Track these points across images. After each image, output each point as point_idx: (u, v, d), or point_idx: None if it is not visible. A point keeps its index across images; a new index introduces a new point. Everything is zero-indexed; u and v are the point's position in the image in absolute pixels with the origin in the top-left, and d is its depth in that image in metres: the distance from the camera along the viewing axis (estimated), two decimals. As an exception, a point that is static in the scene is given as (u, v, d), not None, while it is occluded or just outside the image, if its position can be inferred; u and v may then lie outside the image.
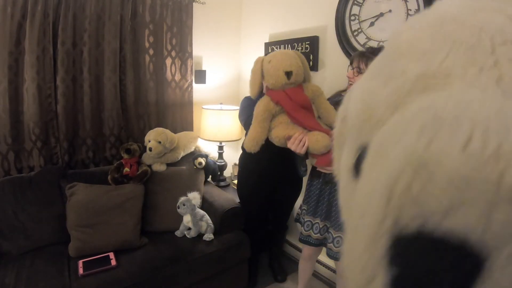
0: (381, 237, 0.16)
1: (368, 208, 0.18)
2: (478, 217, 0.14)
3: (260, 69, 1.30)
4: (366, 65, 1.23)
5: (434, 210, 0.14)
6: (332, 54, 1.82)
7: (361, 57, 1.25)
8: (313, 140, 1.21)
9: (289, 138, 1.23)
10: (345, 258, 0.20)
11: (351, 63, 1.30)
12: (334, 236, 1.35)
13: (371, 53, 1.24)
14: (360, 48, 1.63)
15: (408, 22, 0.27)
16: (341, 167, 0.29)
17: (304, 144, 1.20)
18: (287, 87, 1.24)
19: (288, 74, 1.21)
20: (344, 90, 1.45)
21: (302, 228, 1.45)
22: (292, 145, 1.21)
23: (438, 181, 0.15)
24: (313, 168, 1.42)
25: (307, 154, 1.30)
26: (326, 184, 1.37)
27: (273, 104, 1.25)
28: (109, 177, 1.73)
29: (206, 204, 1.85)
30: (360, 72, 1.24)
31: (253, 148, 1.28)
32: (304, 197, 1.50)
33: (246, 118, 1.45)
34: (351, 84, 1.31)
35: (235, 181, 2.10)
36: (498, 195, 0.13)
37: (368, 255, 0.17)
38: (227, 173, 2.42)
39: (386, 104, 0.22)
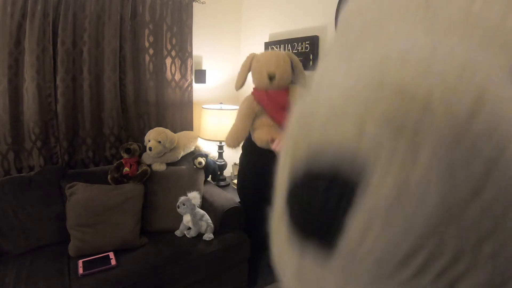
0: (284, 179, 0.17)
1: (282, 150, 0.18)
2: (352, 124, 0.14)
3: (248, 65, 1.30)
4: None
5: (310, 147, 0.15)
6: (332, 54, 1.82)
7: None
8: None
9: (273, 140, 1.23)
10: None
11: None
12: None
13: None
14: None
15: None
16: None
17: None
18: (270, 89, 1.23)
19: (271, 77, 1.21)
20: None
21: None
22: (276, 147, 1.21)
23: (320, 116, 0.15)
24: None
25: None
26: None
27: (256, 102, 1.26)
28: (109, 176, 1.73)
29: (206, 204, 1.85)
30: None
31: (232, 144, 1.29)
32: None
33: None
34: None
35: (235, 181, 2.10)
36: (366, 115, 0.13)
37: (279, 194, 0.18)
38: (227, 172, 2.42)
39: None
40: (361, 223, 0.13)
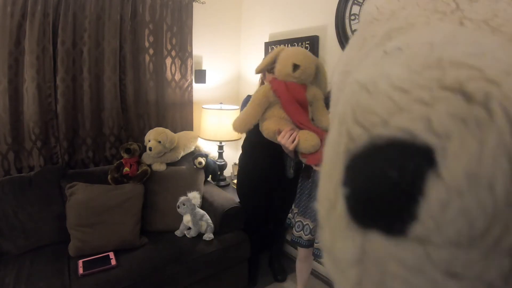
0: (338, 162, 0.16)
1: (329, 139, 0.18)
2: (419, 114, 0.14)
3: (275, 55, 1.31)
4: None
5: (376, 120, 0.15)
6: (332, 54, 1.82)
7: None
8: (302, 138, 1.20)
9: (279, 132, 1.22)
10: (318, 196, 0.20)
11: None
12: None
13: None
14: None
15: None
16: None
17: (294, 140, 1.20)
18: (290, 80, 1.23)
19: (295, 67, 1.21)
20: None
21: (293, 229, 1.45)
22: (282, 139, 1.21)
23: (378, 95, 0.16)
24: (303, 170, 1.41)
25: (296, 155, 1.31)
26: (315, 189, 1.37)
27: (272, 92, 1.26)
28: (109, 176, 1.73)
29: (206, 204, 1.85)
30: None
31: (239, 128, 1.28)
32: (296, 200, 1.49)
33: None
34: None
35: (235, 181, 2.10)
36: (438, 91, 0.14)
37: (329, 182, 0.17)
38: (227, 172, 2.42)
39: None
40: (443, 192, 0.13)
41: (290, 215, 1.54)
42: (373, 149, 0.15)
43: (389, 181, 0.14)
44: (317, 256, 1.39)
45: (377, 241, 0.15)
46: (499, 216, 0.13)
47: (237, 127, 1.28)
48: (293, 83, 1.23)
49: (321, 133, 1.24)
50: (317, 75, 1.29)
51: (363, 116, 0.16)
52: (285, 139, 1.20)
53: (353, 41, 0.28)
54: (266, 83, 1.32)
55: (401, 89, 0.15)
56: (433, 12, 0.22)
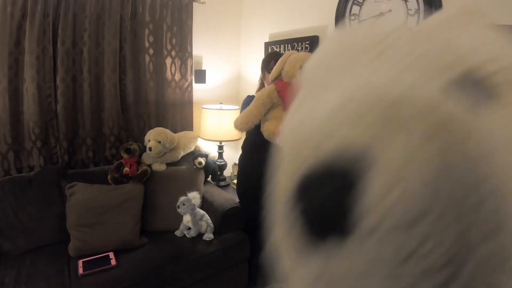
0: (289, 187, 0.19)
1: (281, 169, 0.21)
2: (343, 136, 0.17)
3: (286, 58, 1.32)
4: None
5: (314, 147, 0.18)
6: (332, 54, 1.82)
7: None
8: None
9: (279, 134, 1.23)
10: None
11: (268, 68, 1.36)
12: None
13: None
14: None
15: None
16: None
17: None
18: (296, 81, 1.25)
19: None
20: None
21: None
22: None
23: (313, 127, 0.19)
24: None
25: None
26: None
27: (276, 93, 1.27)
28: (109, 176, 1.73)
29: (206, 204, 1.85)
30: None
31: (241, 126, 1.30)
32: None
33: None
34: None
35: (235, 181, 2.10)
36: (364, 118, 0.17)
37: (282, 206, 0.20)
38: (227, 172, 2.42)
39: None
40: (380, 192, 0.15)
41: None
42: (316, 170, 0.17)
43: (333, 191, 0.16)
44: None
45: (335, 248, 0.17)
46: (436, 196, 0.14)
47: (238, 125, 1.29)
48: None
49: None
50: None
51: (304, 146, 0.18)
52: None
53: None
54: (266, 84, 1.33)
55: (332, 115, 0.18)
56: (358, 62, 0.25)
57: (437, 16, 0.25)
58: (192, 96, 2.28)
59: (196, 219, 1.66)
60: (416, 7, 1.42)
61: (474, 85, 0.20)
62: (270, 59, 1.60)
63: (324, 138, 0.18)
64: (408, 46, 0.23)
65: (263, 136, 1.33)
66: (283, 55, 1.37)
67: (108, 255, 1.47)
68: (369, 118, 0.17)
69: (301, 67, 1.23)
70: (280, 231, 0.20)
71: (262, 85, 1.69)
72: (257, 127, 1.35)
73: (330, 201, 0.16)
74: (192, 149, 2.12)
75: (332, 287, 0.17)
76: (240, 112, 1.62)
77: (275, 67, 1.36)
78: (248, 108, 1.30)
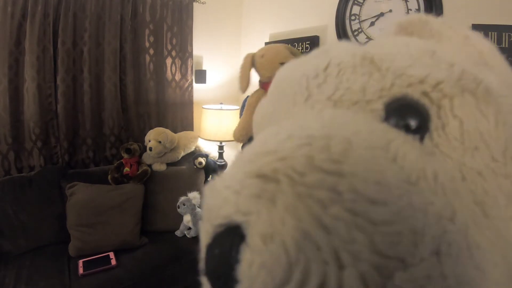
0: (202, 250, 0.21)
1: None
2: (233, 202, 0.19)
3: (249, 64, 1.30)
4: None
5: (214, 214, 0.20)
6: (332, 54, 1.82)
7: None
8: None
9: None
10: None
11: None
12: None
13: None
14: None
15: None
16: None
17: None
18: None
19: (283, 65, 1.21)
20: None
21: None
22: None
23: (215, 195, 0.21)
24: None
25: None
26: None
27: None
28: (109, 176, 1.73)
29: (206, 204, 1.85)
30: None
31: (241, 138, 1.29)
32: None
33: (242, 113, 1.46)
34: None
35: (235, 181, 2.09)
36: (241, 192, 0.19)
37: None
38: (227, 173, 2.42)
39: None
40: (249, 254, 0.17)
41: None
42: (214, 236, 0.19)
43: (219, 257, 0.18)
44: None
45: None
46: (295, 263, 0.15)
47: (238, 137, 1.28)
48: None
49: None
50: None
51: (208, 212, 0.20)
52: None
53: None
54: (259, 89, 1.31)
55: (227, 187, 0.20)
56: (293, 105, 0.27)
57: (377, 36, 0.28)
58: (192, 96, 2.28)
59: (196, 219, 1.66)
60: (417, 7, 1.41)
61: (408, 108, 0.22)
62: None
63: (222, 205, 0.19)
64: (332, 86, 0.25)
65: None
66: (244, 61, 1.34)
67: (108, 255, 1.47)
68: (248, 190, 0.18)
69: (281, 63, 1.21)
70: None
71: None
72: None
73: (216, 267, 0.18)
74: (193, 149, 2.12)
75: None
76: (240, 112, 1.62)
77: (241, 77, 1.32)
78: (243, 117, 1.29)
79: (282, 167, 0.18)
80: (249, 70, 1.30)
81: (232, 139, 2.17)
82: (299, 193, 0.17)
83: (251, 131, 1.32)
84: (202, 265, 0.20)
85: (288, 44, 2.00)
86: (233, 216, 0.18)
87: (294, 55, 1.29)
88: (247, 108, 1.29)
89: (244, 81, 1.33)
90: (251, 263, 0.16)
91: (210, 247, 0.19)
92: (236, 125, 1.31)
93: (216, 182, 0.21)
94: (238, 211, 0.18)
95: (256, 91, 1.30)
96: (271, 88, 0.33)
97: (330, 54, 0.27)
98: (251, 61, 1.30)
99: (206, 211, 0.21)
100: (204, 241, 0.20)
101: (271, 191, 0.17)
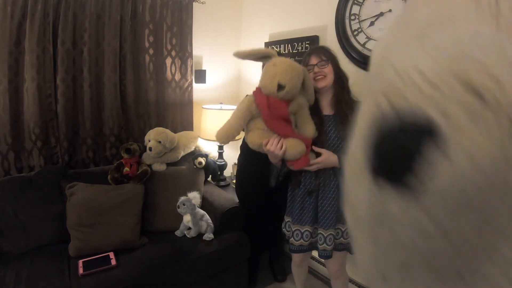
0: (365, 126, 0.21)
1: (362, 109, 0.23)
2: (435, 99, 0.18)
3: (264, 54, 1.26)
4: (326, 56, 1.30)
5: (402, 99, 0.19)
6: (332, 54, 1.82)
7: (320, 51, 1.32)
8: (289, 145, 1.21)
9: (266, 143, 1.22)
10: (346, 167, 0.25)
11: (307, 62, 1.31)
12: (326, 235, 1.33)
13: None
14: (360, 48, 1.63)
15: None
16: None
17: (281, 146, 1.20)
18: (274, 96, 1.21)
19: (280, 87, 1.18)
20: None
21: (292, 238, 1.40)
22: (271, 146, 1.21)
23: (409, 83, 0.20)
24: (293, 178, 1.39)
25: (283, 165, 1.31)
26: (309, 194, 1.35)
27: (255, 105, 1.24)
28: (109, 176, 1.73)
29: (206, 204, 1.85)
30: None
31: (222, 140, 1.28)
32: (287, 209, 1.45)
33: None
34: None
35: (235, 181, 2.10)
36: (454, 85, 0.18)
37: (355, 143, 0.22)
38: (227, 172, 2.42)
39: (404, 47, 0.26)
40: (438, 158, 0.17)
41: (282, 224, 1.50)
42: (394, 118, 0.19)
43: (398, 141, 0.18)
44: (324, 256, 1.38)
45: (383, 188, 0.19)
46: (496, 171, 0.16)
47: (220, 138, 1.28)
48: (276, 99, 1.21)
49: (306, 139, 1.25)
50: (303, 86, 1.27)
51: (393, 95, 0.20)
52: (274, 146, 1.20)
53: (396, 23, 0.32)
54: (250, 94, 1.29)
55: (427, 81, 0.19)
56: (475, 11, 0.25)
57: None
58: (192, 96, 2.28)
59: (196, 219, 1.66)
60: (416, 7, 1.41)
61: None
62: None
63: (418, 96, 0.19)
64: None
65: None
66: (266, 49, 1.31)
67: (108, 255, 1.47)
68: (452, 94, 0.18)
69: (278, 85, 1.18)
70: (355, 154, 0.22)
71: None
72: None
73: (392, 149, 0.18)
74: (192, 149, 2.12)
75: (379, 222, 0.19)
76: None
77: (249, 50, 1.27)
78: (229, 120, 1.28)
79: (492, 86, 0.17)
80: (259, 55, 1.27)
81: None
82: (504, 124, 0.17)
83: (234, 135, 1.31)
84: (371, 144, 0.20)
85: (289, 51, 2.00)
86: (428, 109, 0.18)
87: (305, 82, 1.28)
88: (234, 113, 1.28)
89: (246, 53, 1.28)
90: (451, 179, 0.16)
91: (390, 133, 0.19)
92: (221, 126, 1.29)
93: (412, 68, 0.20)
94: (437, 108, 0.18)
95: (247, 98, 1.28)
96: None
97: None
98: (267, 54, 1.26)
99: (381, 81, 0.21)
100: (374, 115, 0.20)
101: (478, 110, 0.17)
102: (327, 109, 1.36)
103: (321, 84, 1.30)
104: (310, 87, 1.30)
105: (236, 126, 1.27)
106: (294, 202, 1.41)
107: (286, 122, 1.25)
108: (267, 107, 1.21)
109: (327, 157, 1.28)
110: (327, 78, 1.29)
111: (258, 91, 1.26)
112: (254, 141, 1.26)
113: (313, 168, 1.29)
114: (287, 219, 1.46)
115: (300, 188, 1.37)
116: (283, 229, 1.49)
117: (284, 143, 1.21)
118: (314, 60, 1.30)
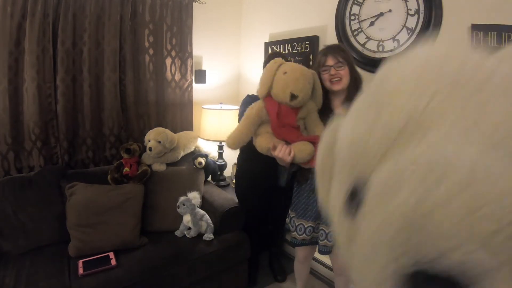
0: (386, 280, 0.20)
1: (373, 256, 0.22)
2: (460, 258, 0.18)
3: (273, 72, 1.26)
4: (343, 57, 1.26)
5: (427, 255, 0.18)
6: (332, 54, 1.82)
7: (336, 51, 1.28)
8: (297, 150, 1.22)
9: (274, 148, 1.23)
10: None
11: (323, 63, 1.29)
12: (327, 231, 1.36)
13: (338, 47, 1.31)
14: (360, 48, 1.63)
15: (393, 64, 0.29)
16: (332, 203, 0.33)
17: (290, 153, 1.21)
18: (286, 105, 1.23)
19: (293, 97, 1.19)
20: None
21: (295, 232, 1.42)
22: (279, 152, 1.22)
23: (429, 235, 0.19)
24: (300, 175, 1.40)
25: (292, 166, 1.32)
26: (313, 192, 1.35)
27: (265, 111, 1.26)
28: (109, 177, 1.73)
29: (206, 204, 1.85)
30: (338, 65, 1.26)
31: (233, 146, 1.30)
32: (292, 205, 1.47)
33: (241, 112, 1.45)
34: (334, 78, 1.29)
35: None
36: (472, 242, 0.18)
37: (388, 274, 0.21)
38: (227, 172, 2.42)
39: (378, 144, 0.25)
40: None
41: (287, 219, 1.51)
42: (419, 277, 0.18)
43: None
44: (323, 252, 1.39)
45: None
46: None
47: (230, 144, 1.29)
48: (286, 107, 1.22)
49: (313, 138, 1.25)
50: (313, 91, 1.28)
51: (413, 250, 0.19)
52: (282, 153, 1.21)
53: (363, 107, 0.29)
54: (260, 101, 1.30)
55: (447, 235, 0.18)
56: (451, 109, 0.23)
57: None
58: (192, 96, 2.28)
59: (196, 219, 1.66)
60: (416, 7, 1.42)
61: None
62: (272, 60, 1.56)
63: (447, 251, 0.18)
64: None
65: None
66: (271, 66, 1.28)
67: (108, 255, 1.47)
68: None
69: (291, 95, 1.19)
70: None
71: None
72: None
73: None
74: (192, 149, 2.12)
75: None
76: (240, 114, 1.62)
77: (263, 83, 1.29)
78: (238, 126, 1.30)
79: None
80: (272, 77, 1.26)
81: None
82: None
83: (244, 141, 1.31)
84: None
85: (289, 51, 2.00)
86: (475, 265, 0.18)
87: (315, 87, 1.28)
88: (244, 119, 1.29)
89: (265, 85, 1.27)
90: None
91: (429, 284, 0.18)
92: (231, 132, 1.31)
93: (426, 217, 0.19)
94: (484, 259, 0.17)
95: (258, 103, 1.29)
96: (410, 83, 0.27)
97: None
98: (275, 70, 1.26)
99: (409, 242, 0.20)
100: (404, 269, 0.19)
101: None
102: (339, 108, 1.36)
103: (337, 87, 1.28)
104: (319, 91, 1.31)
105: (246, 132, 1.28)
106: (300, 198, 1.42)
107: (293, 128, 1.26)
108: (276, 114, 1.22)
109: None
110: (343, 81, 1.27)
111: (268, 99, 1.26)
112: (263, 145, 1.27)
113: None
114: (292, 214, 1.47)
115: (307, 184, 1.38)
116: (287, 224, 1.51)
117: (292, 149, 1.22)
118: (330, 61, 1.27)
